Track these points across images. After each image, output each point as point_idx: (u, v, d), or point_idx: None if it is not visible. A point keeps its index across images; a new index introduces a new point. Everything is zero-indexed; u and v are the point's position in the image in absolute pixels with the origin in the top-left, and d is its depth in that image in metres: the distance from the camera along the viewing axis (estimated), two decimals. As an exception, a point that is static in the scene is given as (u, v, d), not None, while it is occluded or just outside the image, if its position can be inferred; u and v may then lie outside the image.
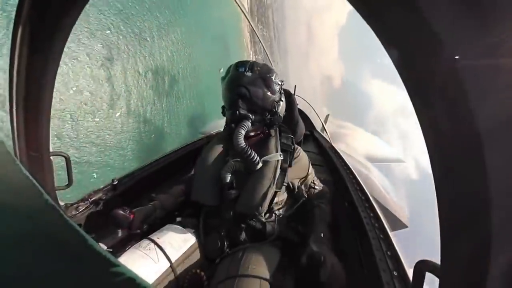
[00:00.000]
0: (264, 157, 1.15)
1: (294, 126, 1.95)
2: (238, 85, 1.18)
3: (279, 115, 1.28)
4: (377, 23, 0.40)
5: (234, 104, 1.17)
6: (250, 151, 1.11)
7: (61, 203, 1.09)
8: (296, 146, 1.29)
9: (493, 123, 0.34)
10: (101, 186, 1.31)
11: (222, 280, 0.93)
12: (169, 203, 1.27)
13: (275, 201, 1.15)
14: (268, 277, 0.92)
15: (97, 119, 6.07)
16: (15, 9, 0.69)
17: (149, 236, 1.04)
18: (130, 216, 1.04)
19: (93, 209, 1.19)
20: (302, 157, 1.29)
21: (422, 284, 0.59)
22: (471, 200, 0.37)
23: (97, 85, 6.29)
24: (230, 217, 1.14)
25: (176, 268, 0.97)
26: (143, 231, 1.14)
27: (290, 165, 1.19)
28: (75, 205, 1.15)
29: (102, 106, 6.32)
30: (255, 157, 1.11)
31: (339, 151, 2.49)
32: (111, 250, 1.10)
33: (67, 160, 1.02)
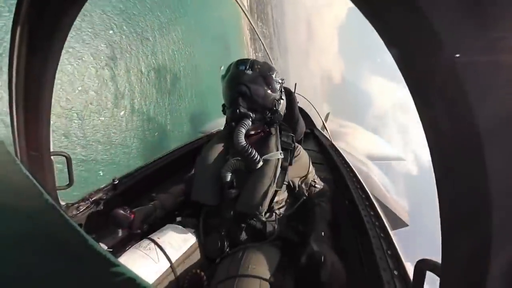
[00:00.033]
0: (265, 156, 1.14)
1: (294, 125, 1.94)
2: (238, 83, 1.17)
3: (280, 113, 1.28)
4: (379, 23, 0.40)
5: (235, 102, 1.16)
6: (250, 149, 1.11)
7: (62, 203, 1.09)
8: (296, 144, 1.28)
9: (493, 121, 0.34)
10: (102, 186, 1.31)
11: (222, 280, 0.93)
12: (169, 202, 1.27)
13: (275, 200, 1.15)
14: (268, 277, 0.92)
15: (102, 118, 6.21)
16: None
17: (149, 236, 1.04)
18: (131, 216, 1.05)
19: (93, 208, 1.19)
20: (302, 155, 1.29)
21: (423, 283, 0.59)
22: (471, 199, 0.37)
23: (102, 84, 6.43)
24: (230, 217, 1.14)
25: (176, 268, 0.97)
26: (144, 231, 1.14)
27: (290, 164, 1.19)
28: (76, 205, 1.15)
29: (107, 105, 6.47)
30: (256, 156, 1.11)
31: (339, 149, 2.49)
32: (111, 250, 1.10)
33: (68, 159, 1.02)
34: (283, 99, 1.30)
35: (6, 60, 0.74)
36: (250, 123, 1.16)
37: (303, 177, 1.30)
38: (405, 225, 3.55)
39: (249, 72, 1.18)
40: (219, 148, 1.26)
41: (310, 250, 0.95)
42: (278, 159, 1.15)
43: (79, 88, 5.74)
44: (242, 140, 1.10)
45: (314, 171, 1.37)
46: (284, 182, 1.16)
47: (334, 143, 2.77)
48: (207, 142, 1.34)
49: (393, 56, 0.40)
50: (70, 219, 0.31)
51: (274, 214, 1.18)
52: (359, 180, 1.63)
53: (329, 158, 2.31)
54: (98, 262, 0.28)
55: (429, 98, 0.38)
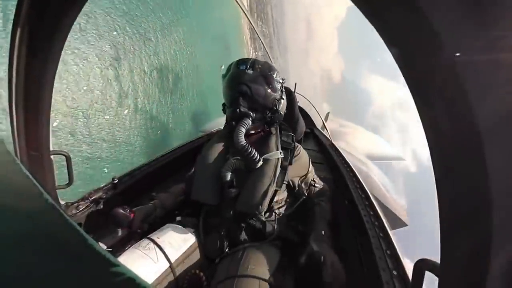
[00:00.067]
0: (265, 155, 1.14)
1: (294, 124, 1.94)
2: (239, 83, 1.17)
3: (280, 113, 1.28)
4: (379, 22, 0.40)
5: (235, 102, 1.16)
6: (250, 149, 1.11)
7: (62, 202, 1.09)
8: (296, 144, 1.28)
9: (493, 120, 0.34)
10: (102, 185, 1.31)
11: (222, 280, 0.93)
12: (169, 202, 1.27)
13: (275, 200, 1.15)
14: (267, 277, 0.92)
15: (107, 117, 6.40)
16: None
17: (149, 236, 1.04)
18: (130, 215, 1.05)
19: (93, 208, 1.19)
20: (302, 155, 1.29)
21: (422, 283, 0.59)
22: (471, 199, 0.37)
23: (106, 84, 6.63)
24: (230, 216, 1.14)
25: (175, 268, 0.97)
26: (143, 230, 1.14)
27: (290, 163, 1.19)
28: (76, 204, 1.15)
29: (111, 104, 6.67)
30: (256, 155, 1.11)
31: (339, 149, 2.49)
32: (111, 249, 1.10)
33: (68, 159, 1.02)
34: (283, 99, 1.30)
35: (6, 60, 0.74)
36: (250, 122, 1.16)
37: (303, 176, 1.30)
38: (405, 225, 3.56)
39: (250, 71, 1.18)
40: (219, 147, 1.26)
41: (310, 250, 0.95)
42: (278, 158, 1.15)
43: (85, 88, 5.92)
44: (242, 140, 1.10)
45: (313, 170, 1.37)
46: (284, 182, 1.16)
47: (334, 142, 2.77)
48: (207, 141, 1.34)
49: (393, 55, 0.40)
50: (69, 218, 0.31)
51: (273, 213, 1.18)
52: (359, 179, 1.63)
53: (329, 158, 2.31)
54: (98, 262, 0.28)
55: (429, 97, 0.38)
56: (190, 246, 1.07)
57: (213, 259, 1.09)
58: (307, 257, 0.94)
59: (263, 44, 4.79)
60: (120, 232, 1.15)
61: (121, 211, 1.04)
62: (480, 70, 0.33)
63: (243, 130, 1.12)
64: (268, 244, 1.10)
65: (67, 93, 5.46)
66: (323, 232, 1.09)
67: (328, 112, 7.66)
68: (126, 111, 7.09)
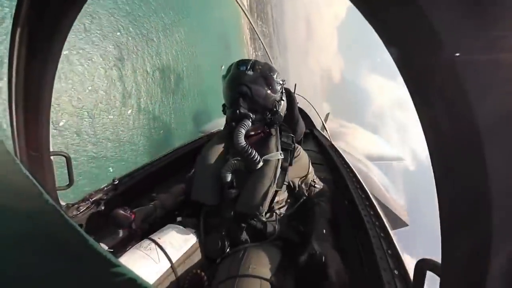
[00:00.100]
0: (265, 156, 1.14)
1: (294, 125, 1.94)
2: (239, 84, 1.17)
3: (280, 114, 1.28)
4: (378, 22, 0.40)
5: (235, 103, 1.16)
6: (250, 150, 1.11)
7: (62, 203, 1.09)
8: (296, 145, 1.28)
9: (493, 119, 0.34)
10: (102, 186, 1.31)
11: (223, 280, 0.93)
12: (169, 202, 1.27)
13: (275, 200, 1.15)
14: (268, 277, 0.92)
15: (111, 116, 6.52)
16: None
17: (150, 236, 1.04)
18: (131, 216, 1.05)
19: (94, 209, 1.19)
20: (302, 156, 1.29)
21: (423, 283, 0.59)
22: (471, 199, 0.37)
23: (110, 84, 6.77)
24: (230, 217, 1.14)
25: (177, 268, 0.97)
26: (144, 230, 1.14)
27: (290, 164, 1.19)
28: (76, 205, 1.15)
29: (115, 104, 6.79)
30: (256, 156, 1.11)
31: (339, 149, 2.49)
32: (112, 250, 1.10)
33: (68, 159, 1.02)
34: (283, 100, 1.30)
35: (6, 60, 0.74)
36: (250, 123, 1.16)
37: (303, 177, 1.30)
38: (405, 225, 3.56)
39: (250, 72, 1.18)
40: (219, 148, 1.26)
41: (310, 249, 0.95)
42: (278, 159, 1.15)
43: (90, 88, 6.03)
44: (242, 141, 1.10)
45: (313, 171, 1.37)
46: (284, 183, 1.16)
47: (333, 143, 2.78)
48: (207, 142, 1.34)
49: (392, 55, 0.40)
50: (70, 219, 0.31)
51: (274, 214, 1.18)
52: (359, 180, 1.63)
53: (329, 159, 2.31)
54: (99, 262, 0.28)
55: (429, 97, 0.38)
56: (191, 246, 1.07)
57: (214, 259, 1.09)
58: (308, 257, 0.94)
59: (262, 43, 4.80)
60: (121, 233, 1.15)
61: (122, 212, 1.04)
62: (480, 70, 0.33)
63: (243, 131, 1.12)
64: (269, 244, 1.10)
65: (73, 93, 5.56)
66: (324, 230, 1.09)
67: (328, 113, 7.66)
68: (129, 111, 7.22)
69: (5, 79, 0.76)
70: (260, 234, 1.13)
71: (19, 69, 0.74)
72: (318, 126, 4.18)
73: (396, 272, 0.88)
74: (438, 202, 0.41)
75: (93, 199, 1.21)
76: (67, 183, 1.02)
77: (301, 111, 3.33)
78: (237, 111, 1.15)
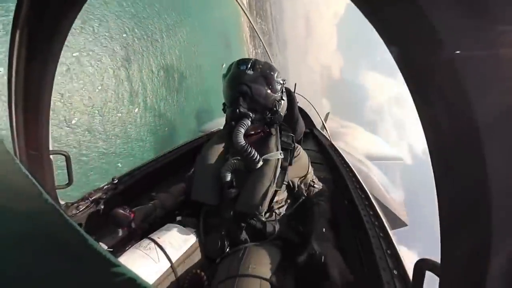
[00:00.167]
0: (265, 156, 1.14)
1: (294, 125, 1.94)
2: (239, 83, 1.17)
3: (280, 114, 1.28)
4: (378, 21, 0.40)
5: (235, 102, 1.16)
6: (250, 149, 1.11)
7: (62, 202, 1.09)
8: (296, 144, 1.28)
9: (493, 117, 0.34)
10: (102, 185, 1.31)
11: (223, 280, 0.93)
12: (169, 202, 1.27)
13: (275, 200, 1.15)
14: (268, 276, 0.92)
15: (120, 114, 6.86)
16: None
17: (150, 236, 1.04)
18: (131, 215, 1.05)
19: (93, 208, 1.19)
20: (302, 155, 1.29)
21: (422, 283, 0.59)
22: (471, 198, 0.37)
23: (119, 83, 7.12)
24: (230, 216, 1.14)
25: (176, 268, 0.97)
26: (144, 230, 1.14)
27: (290, 164, 1.19)
28: (76, 204, 1.15)
29: (123, 102, 7.14)
30: (255, 156, 1.11)
31: (338, 149, 2.49)
32: (111, 249, 1.10)
33: (67, 158, 1.01)
34: (283, 100, 1.30)
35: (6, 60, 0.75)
36: (249, 123, 1.15)
37: (303, 177, 1.30)
38: (404, 224, 3.57)
39: (250, 72, 1.18)
40: (219, 147, 1.26)
41: (310, 249, 0.95)
42: (278, 159, 1.15)
43: (99, 87, 6.33)
44: (241, 140, 1.10)
45: (313, 171, 1.37)
46: (284, 182, 1.16)
47: (333, 143, 2.78)
48: (207, 141, 1.34)
49: (392, 54, 0.39)
50: (69, 218, 0.31)
51: (274, 213, 1.18)
52: (359, 180, 1.63)
53: (329, 158, 2.31)
54: (98, 262, 0.28)
55: (429, 96, 0.38)
56: (191, 246, 1.07)
57: (214, 259, 1.09)
58: (307, 257, 0.94)
59: (262, 41, 4.82)
60: (120, 232, 1.15)
61: (121, 211, 1.04)
62: (479, 68, 0.33)
63: (242, 130, 1.12)
64: (269, 244, 1.10)
65: (84, 93, 5.80)
66: (323, 230, 1.09)
67: (328, 113, 7.67)
68: (136, 109, 7.57)
69: (5, 78, 0.76)
70: (259, 233, 1.13)
71: (19, 70, 0.74)
72: (318, 125, 4.18)
73: (395, 272, 0.88)
74: (438, 201, 0.41)
75: (92, 198, 1.21)
76: (67, 182, 1.02)
77: (301, 110, 3.33)
78: (237, 110, 1.15)
